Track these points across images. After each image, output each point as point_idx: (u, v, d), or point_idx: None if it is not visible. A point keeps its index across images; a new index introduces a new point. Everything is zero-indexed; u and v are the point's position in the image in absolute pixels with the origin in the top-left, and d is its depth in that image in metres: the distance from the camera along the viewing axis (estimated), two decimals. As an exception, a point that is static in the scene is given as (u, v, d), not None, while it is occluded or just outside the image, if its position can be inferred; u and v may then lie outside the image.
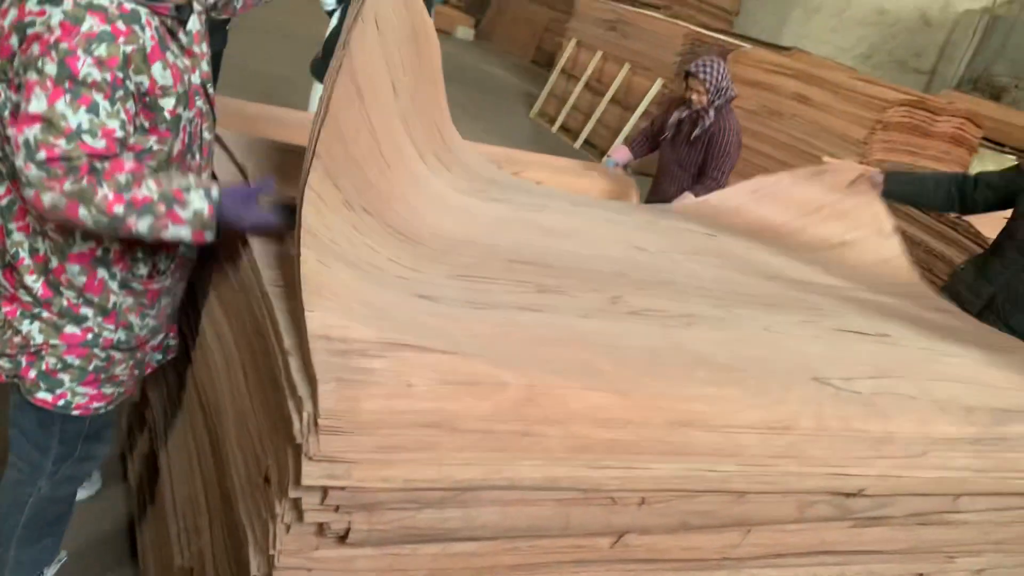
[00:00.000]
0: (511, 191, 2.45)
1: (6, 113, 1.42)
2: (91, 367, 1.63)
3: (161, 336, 1.77)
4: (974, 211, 3.02)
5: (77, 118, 1.36)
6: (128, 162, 1.43)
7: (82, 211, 1.39)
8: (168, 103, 1.49)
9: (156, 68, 1.45)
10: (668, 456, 1.44)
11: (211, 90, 1.68)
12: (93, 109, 1.37)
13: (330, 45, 4.26)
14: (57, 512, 1.84)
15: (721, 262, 2.38)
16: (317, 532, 1.23)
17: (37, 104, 1.34)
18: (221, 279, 1.72)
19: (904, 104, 6.34)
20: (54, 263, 1.54)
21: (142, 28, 1.43)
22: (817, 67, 7.50)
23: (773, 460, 1.53)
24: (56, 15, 1.36)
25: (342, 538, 1.23)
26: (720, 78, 3.72)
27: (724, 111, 3.76)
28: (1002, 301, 2.73)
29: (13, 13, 1.39)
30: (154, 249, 1.61)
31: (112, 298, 1.60)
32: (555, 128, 9.75)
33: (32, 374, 1.60)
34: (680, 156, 3.83)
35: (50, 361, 1.60)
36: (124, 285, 1.60)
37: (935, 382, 1.91)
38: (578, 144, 9.18)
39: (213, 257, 1.77)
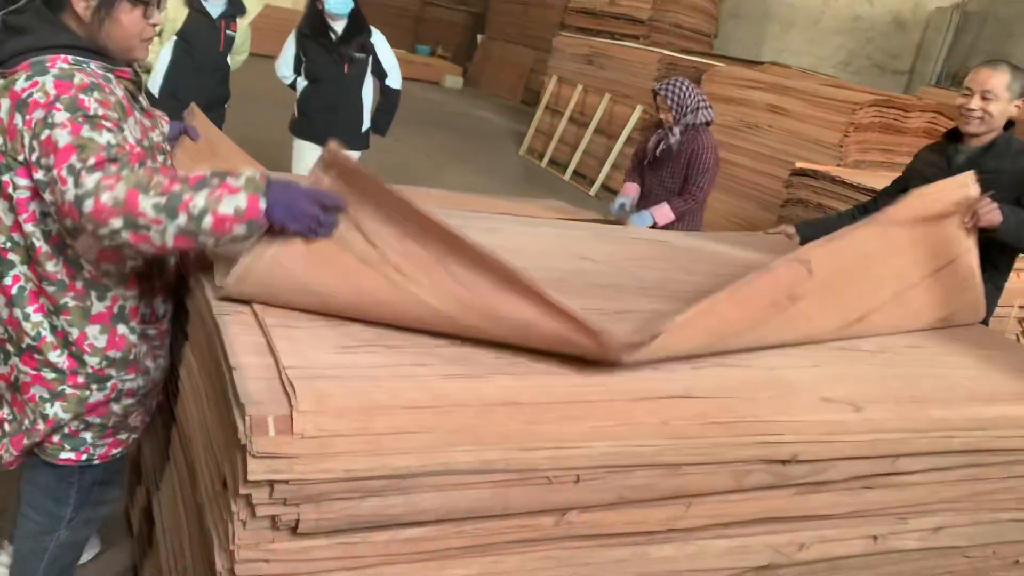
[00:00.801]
0: (466, 216, 2.61)
1: (18, 199, 1.59)
2: (111, 423, 1.80)
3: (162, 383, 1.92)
4: None
5: (103, 138, 1.51)
6: None
7: (142, 198, 1.43)
8: (145, 146, 1.67)
9: (130, 121, 1.64)
10: (597, 435, 1.56)
11: (167, 148, 1.87)
12: (111, 131, 1.53)
13: (303, 106, 4.54)
14: (73, 556, 2.00)
15: (668, 265, 2.52)
16: (271, 526, 1.37)
17: (64, 141, 1.48)
18: (192, 320, 1.88)
19: (873, 104, 6.50)
20: (75, 333, 1.67)
21: (115, 86, 1.63)
22: (788, 78, 7.69)
23: (701, 430, 1.65)
24: (48, 80, 1.53)
25: (294, 530, 1.37)
26: (683, 95, 3.86)
27: (699, 130, 3.89)
28: None
29: (5, 101, 1.56)
30: (154, 292, 1.77)
31: (132, 350, 1.75)
32: (544, 163, 9.97)
33: (56, 439, 1.76)
34: (662, 178, 3.97)
35: (72, 425, 1.76)
36: (142, 335, 1.76)
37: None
38: (567, 176, 9.38)
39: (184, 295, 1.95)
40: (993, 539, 2.26)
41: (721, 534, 1.83)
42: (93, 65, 1.62)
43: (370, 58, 4.53)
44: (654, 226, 3.76)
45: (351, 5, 4.35)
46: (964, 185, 2.53)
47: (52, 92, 1.52)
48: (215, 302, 1.59)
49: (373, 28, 4.57)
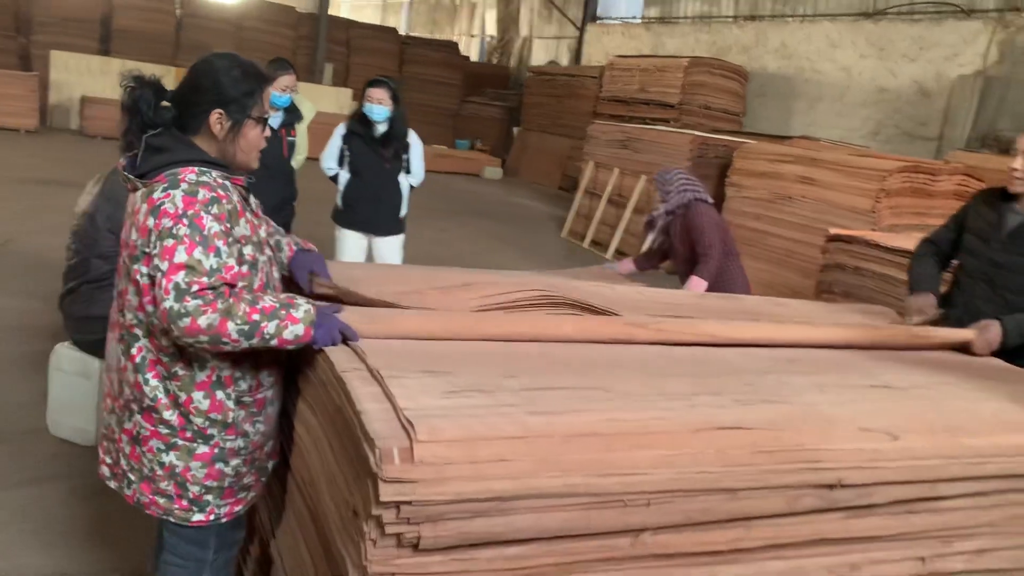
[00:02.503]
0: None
1: (143, 284, 1.95)
2: (226, 484, 2.10)
3: (272, 442, 2.21)
4: (950, 257, 3.43)
5: (209, 261, 1.88)
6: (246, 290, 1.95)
7: (230, 324, 1.84)
8: (248, 249, 2.03)
9: (241, 222, 2.01)
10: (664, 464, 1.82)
11: (272, 243, 2.24)
12: (218, 254, 1.90)
13: (347, 197, 4.96)
14: None
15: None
16: (397, 544, 1.64)
17: (179, 257, 1.86)
18: (305, 385, 2.19)
19: (902, 171, 6.77)
20: (183, 397, 2.01)
21: (231, 193, 2.00)
22: (818, 150, 8.01)
23: (751, 457, 1.90)
24: (178, 194, 1.91)
25: (415, 547, 1.64)
26: (667, 180, 4.40)
27: (689, 207, 4.32)
28: (967, 321, 3.07)
29: (144, 206, 1.95)
30: (256, 367, 2.09)
31: (230, 414, 2.05)
32: (586, 243, 10.34)
33: (184, 503, 2.07)
34: (677, 259, 4.40)
35: (194, 490, 2.06)
36: (238, 401, 2.06)
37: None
38: (609, 254, 9.72)
39: (297, 375, 2.26)
40: (1037, 562, 2.41)
41: (779, 555, 2.04)
42: (215, 173, 1.99)
43: (405, 155, 4.99)
44: None
45: (387, 114, 4.85)
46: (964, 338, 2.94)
47: (180, 206, 1.89)
48: (336, 361, 1.90)
49: (410, 130, 5.05)
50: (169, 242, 1.87)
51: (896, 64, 12.17)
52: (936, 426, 2.20)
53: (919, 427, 2.16)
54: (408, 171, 5.09)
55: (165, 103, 2.05)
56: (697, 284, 4.13)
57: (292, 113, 4.91)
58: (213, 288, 1.87)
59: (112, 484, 2.16)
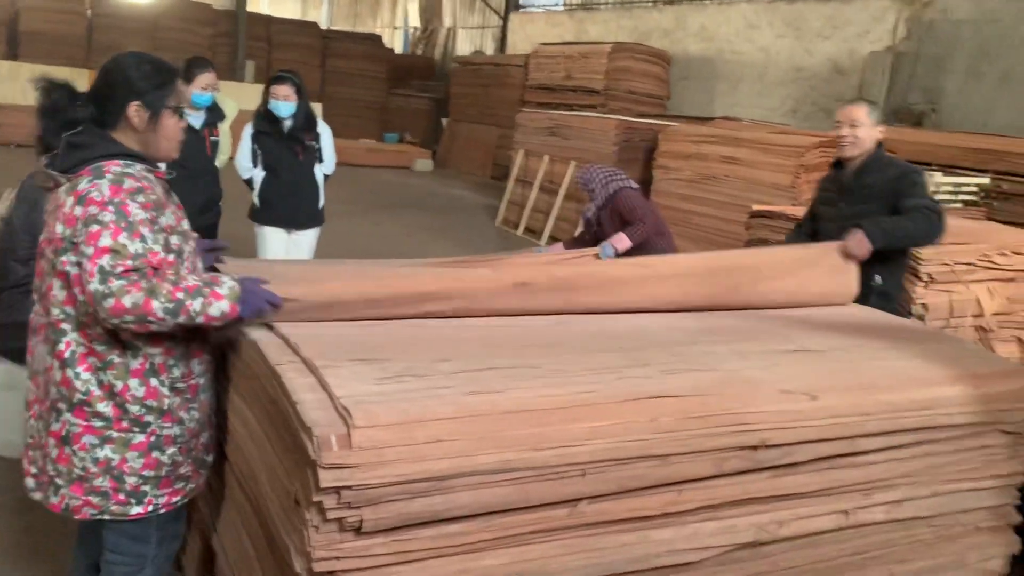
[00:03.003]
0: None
1: (73, 274, 1.96)
2: (163, 473, 2.10)
3: (207, 434, 2.23)
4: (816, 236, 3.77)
5: (134, 246, 1.92)
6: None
7: (154, 303, 1.88)
8: (174, 239, 2.06)
9: (167, 212, 2.07)
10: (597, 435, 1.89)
11: (193, 235, 2.26)
12: (143, 240, 1.93)
13: (265, 195, 4.92)
14: None
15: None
16: (339, 529, 1.67)
17: (104, 241, 1.90)
18: (239, 379, 2.19)
19: (819, 146, 6.99)
20: (119, 386, 2.02)
21: (155, 185, 2.06)
22: (739, 129, 8.21)
23: (681, 424, 1.98)
24: (104, 183, 1.96)
25: (358, 530, 1.67)
26: (588, 178, 4.55)
27: (620, 195, 4.43)
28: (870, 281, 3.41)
29: (70, 199, 1.98)
30: (187, 355, 2.12)
31: (166, 400, 2.08)
32: (520, 231, 10.41)
33: (121, 496, 2.06)
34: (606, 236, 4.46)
35: (131, 481, 2.06)
36: (172, 387, 2.09)
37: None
38: (543, 241, 9.81)
39: (229, 368, 2.27)
40: (953, 508, 2.55)
41: (711, 516, 2.14)
42: (138, 166, 2.05)
43: (317, 144, 4.99)
44: (617, 254, 4.19)
45: (294, 109, 4.84)
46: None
47: (107, 194, 1.95)
48: (269, 354, 1.92)
49: (319, 119, 5.06)
50: (94, 228, 1.91)
51: (811, 43, 12.50)
52: (853, 385, 2.31)
53: (837, 386, 2.27)
54: (321, 160, 5.08)
55: (80, 104, 2.08)
56: (620, 239, 4.23)
57: (214, 112, 4.84)
58: (137, 270, 1.91)
59: (37, 496, 2.13)
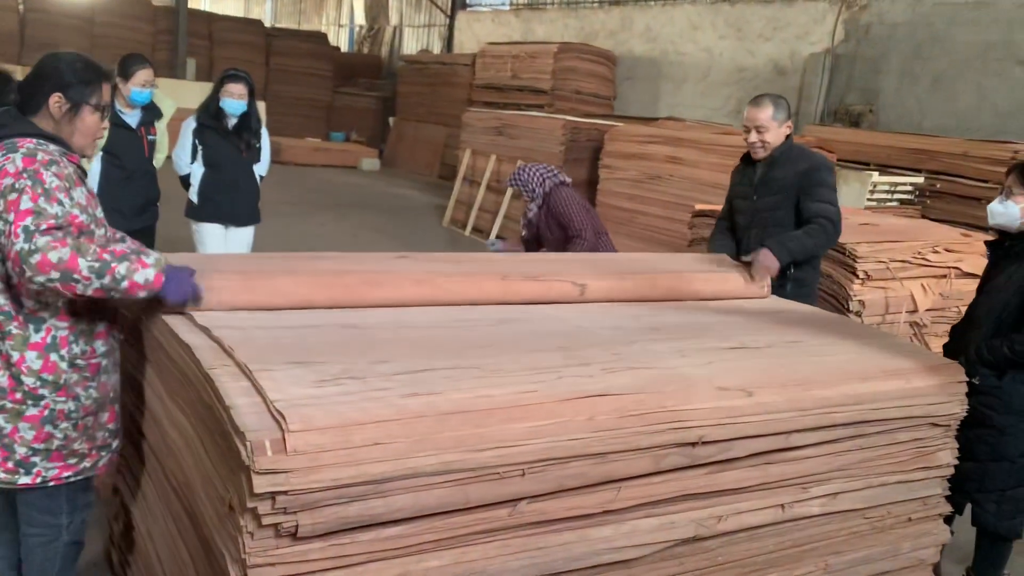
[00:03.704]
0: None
1: None
2: (54, 447, 2.15)
3: (106, 415, 2.27)
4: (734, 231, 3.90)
5: (53, 209, 1.98)
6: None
7: (81, 260, 1.93)
8: (84, 218, 2.09)
9: (79, 191, 2.12)
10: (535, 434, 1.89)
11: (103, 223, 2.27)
12: (61, 204, 2.00)
13: (205, 191, 4.85)
14: (78, 551, 2.38)
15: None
16: (275, 535, 1.65)
17: (24, 205, 1.96)
18: (175, 385, 2.15)
19: (757, 146, 7.10)
20: (15, 357, 2.08)
21: (67, 165, 2.12)
22: (682, 129, 8.31)
23: (619, 422, 2.00)
24: (18, 156, 2.04)
25: (294, 535, 1.65)
26: (526, 179, 4.52)
27: (554, 193, 4.43)
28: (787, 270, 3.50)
29: None
30: (91, 334, 2.19)
31: (63, 375, 2.13)
32: (468, 231, 10.40)
33: (10, 464, 2.12)
34: (549, 246, 4.49)
35: (21, 451, 2.12)
36: (71, 363, 2.14)
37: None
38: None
39: (151, 359, 2.25)
40: (886, 500, 2.62)
41: (650, 513, 2.16)
42: (52, 147, 2.12)
43: (257, 144, 4.95)
44: None
45: (244, 109, 4.82)
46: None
47: (20, 165, 2.02)
48: (202, 358, 1.88)
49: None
50: (12, 196, 1.97)
51: (753, 44, 12.71)
52: (788, 381, 2.36)
53: (772, 383, 2.31)
54: (259, 160, 5.04)
55: (10, 90, 2.20)
56: None
57: (151, 111, 4.74)
58: (60, 228, 1.97)
59: None
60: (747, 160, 3.83)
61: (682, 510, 2.21)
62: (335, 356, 2.01)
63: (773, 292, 3.43)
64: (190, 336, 2.02)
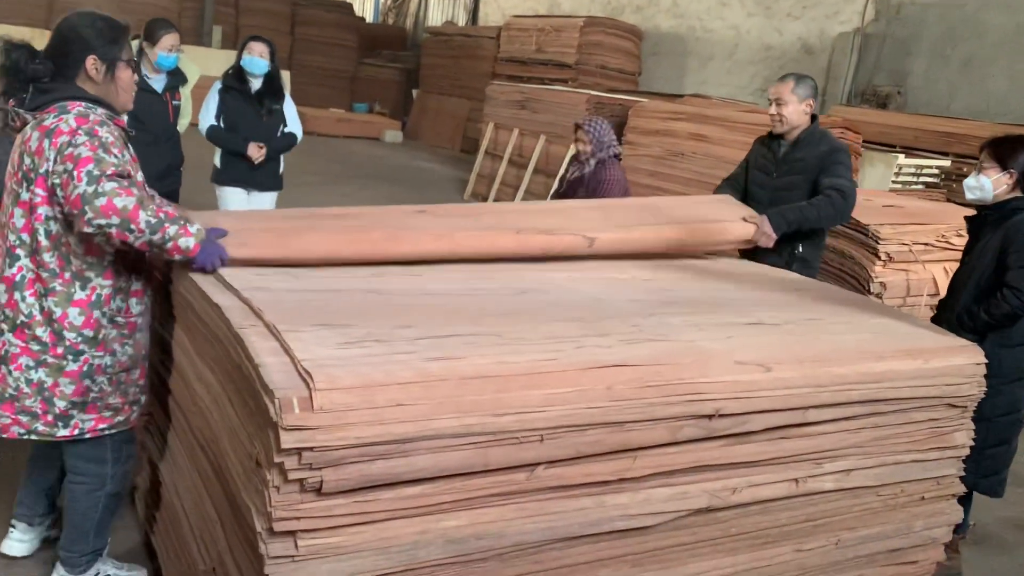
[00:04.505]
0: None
1: (34, 203, 2.15)
2: (90, 399, 2.28)
3: (137, 372, 2.40)
4: (743, 192, 3.98)
5: (112, 158, 2.10)
6: None
7: (142, 213, 2.07)
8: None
9: (125, 154, 2.22)
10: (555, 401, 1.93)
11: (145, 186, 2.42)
12: (116, 157, 2.12)
13: (226, 154, 4.88)
14: (119, 503, 2.53)
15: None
16: (300, 489, 1.70)
17: (84, 154, 2.07)
18: (203, 344, 2.20)
19: (783, 124, 7.06)
20: (58, 313, 2.20)
21: (114, 128, 2.23)
22: (707, 107, 8.26)
23: (637, 392, 2.03)
24: (71, 117, 2.15)
25: (318, 491, 1.70)
26: (602, 132, 4.41)
27: (607, 163, 4.40)
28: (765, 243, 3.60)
29: (36, 132, 2.16)
30: (127, 293, 2.32)
31: (102, 331, 2.26)
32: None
33: (49, 418, 2.25)
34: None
35: (60, 405, 2.24)
36: (111, 320, 2.27)
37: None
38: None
39: (179, 318, 2.33)
40: (899, 478, 2.64)
41: (665, 482, 2.19)
42: (99, 110, 2.23)
43: (277, 106, 4.97)
44: None
45: (267, 68, 4.85)
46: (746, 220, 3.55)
47: (74, 124, 2.13)
48: (232, 318, 1.93)
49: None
50: (70, 150, 2.08)
51: (781, 22, 12.57)
52: (806, 357, 2.37)
53: (790, 359, 2.33)
54: (285, 124, 5.06)
55: (39, 61, 2.24)
56: None
57: (176, 76, 4.78)
58: (124, 176, 2.09)
59: None
60: (770, 139, 3.90)
61: (697, 481, 2.24)
62: (360, 320, 2.06)
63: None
64: (221, 297, 2.07)
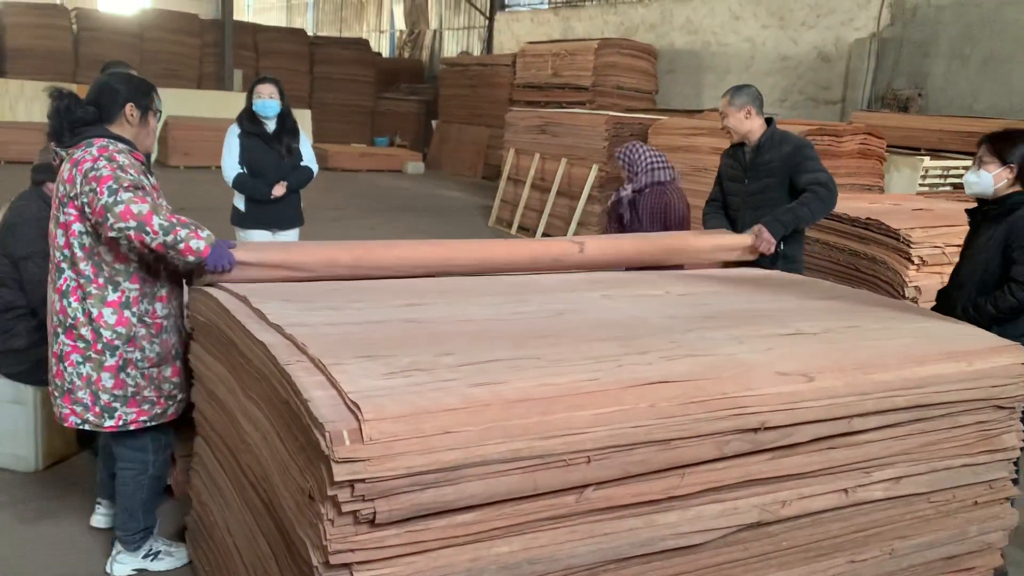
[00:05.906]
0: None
1: (68, 222, 2.56)
2: (129, 393, 2.66)
3: (169, 369, 2.74)
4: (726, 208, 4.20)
5: (129, 176, 2.49)
6: None
7: (155, 218, 2.43)
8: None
9: (145, 181, 2.58)
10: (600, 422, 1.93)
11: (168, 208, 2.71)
12: (134, 178, 2.51)
13: (249, 204, 4.94)
14: (161, 485, 2.94)
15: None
16: (354, 522, 1.71)
17: (105, 173, 2.47)
18: (249, 380, 2.22)
19: (807, 135, 7.03)
20: (95, 313, 2.59)
21: (134, 161, 2.60)
22: (728, 121, 8.25)
23: (681, 408, 2.03)
24: (94, 148, 2.56)
25: (372, 522, 1.72)
26: (634, 158, 4.27)
27: (646, 192, 4.22)
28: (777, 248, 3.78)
29: (67, 165, 2.58)
30: (153, 297, 2.68)
31: (133, 328, 2.64)
32: (514, 230, 10.45)
33: (97, 410, 2.64)
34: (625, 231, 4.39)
35: (104, 398, 2.63)
36: (140, 319, 2.64)
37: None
38: (537, 238, 9.85)
39: (222, 358, 2.34)
40: (951, 484, 2.61)
41: (714, 499, 2.18)
42: (120, 145, 2.62)
43: (295, 145, 5.03)
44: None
45: (279, 108, 4.90)
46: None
47: (96, 153, 2.54)
48: (278, 354, 1.96)
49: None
50: (93, 173, 2.48)
51: (796, 32, 12.57)
52: (848, 365, 2.36)
53: (832, 368, 2.32)
54: (301, 160, 5.10)
55: (82, 108, 2.64)
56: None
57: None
58: (138, 188, 2.47)
59: (55, 411, 2.70)
60: (735, 148, 4.11)
61: (746, 495, 2.23)
62: (401, 349, 2.08)
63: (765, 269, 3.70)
64: (265, 335, 2.10)
